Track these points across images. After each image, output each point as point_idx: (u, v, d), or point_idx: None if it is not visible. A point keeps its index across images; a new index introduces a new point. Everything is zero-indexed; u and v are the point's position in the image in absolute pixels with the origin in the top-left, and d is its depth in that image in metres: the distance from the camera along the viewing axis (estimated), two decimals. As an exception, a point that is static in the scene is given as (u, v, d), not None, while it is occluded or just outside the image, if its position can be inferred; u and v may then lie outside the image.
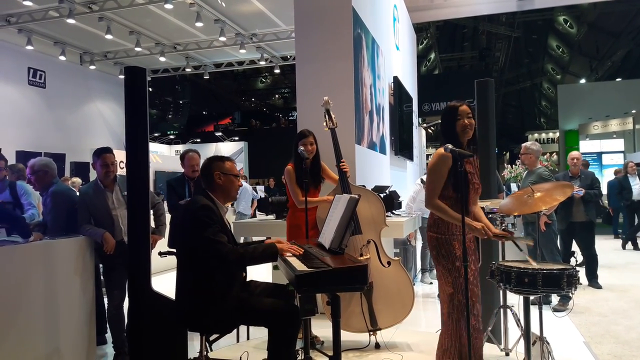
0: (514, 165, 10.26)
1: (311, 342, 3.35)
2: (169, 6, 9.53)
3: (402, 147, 7.82)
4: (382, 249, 3.82)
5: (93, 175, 6.31)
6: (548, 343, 3.02)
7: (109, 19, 10.53)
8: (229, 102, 29.05)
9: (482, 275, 3.20)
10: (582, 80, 23.02)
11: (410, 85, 9.92)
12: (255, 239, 4.05)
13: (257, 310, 2.66)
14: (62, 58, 12.10)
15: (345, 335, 3.55)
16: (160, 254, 3.94)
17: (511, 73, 25.69)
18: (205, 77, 15.43)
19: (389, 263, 3.81)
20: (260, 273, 6.39)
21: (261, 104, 30.41)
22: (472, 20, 18.78)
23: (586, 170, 6.22)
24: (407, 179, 8.86)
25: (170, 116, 27.01)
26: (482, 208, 3.43)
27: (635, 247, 9.51)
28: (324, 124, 4.02)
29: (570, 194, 3.12)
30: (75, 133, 13.01)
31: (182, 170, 4.66)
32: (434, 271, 6.81)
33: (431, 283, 6.36)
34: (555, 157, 12.76)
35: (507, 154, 27.97)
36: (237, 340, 3.95)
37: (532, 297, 2.94)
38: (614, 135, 18.13)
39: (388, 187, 5.34)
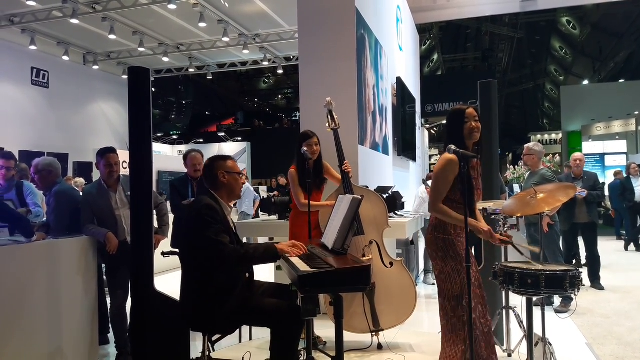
0: (516, 166, 10.24)
1: (314, 342, 3.35)
2: (172, 6, 9.55)
3: (405, 148, 7.82)
4: (384, 249, 3.82)
5: (96, 175, 6.34)
6: (550, 344, 3.02)
7: (112, 19, 10.56)
8: (232, 103, 29.10)
9: (485, 276, 3.21)
10: (585, 82, 22.98)
11: (413, 86, 9.92)
12: (260, 239, 4.08)
13: (260, 310, 2.66)
14: (66, 58, 12.13)
15: (348, 336, 3.55)
16: (163, 254, 3.95)
17: (514, 74, 25.65)
18: (208, 78, 15.45)
19: (391, 264, 3.81)
20: (263, 273, 6.40)
21: (264, 104, 30.45)
22: (475, 21, 18.76)
23: (589, 172, 6.21)
24: (410, 180, 8.85)
25: (173, 116, 27.06)
26: (485, 209, 3.44)
27: (638, 249, 9.49)
28: (327, 124, 4.03)
29: (572, 195, 3.12)
30: (78, 133, 13.05)
31: (185, 170, 4.67)
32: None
33: (433, 284, 6.35)
34: (557, 158, 12.73)
35: (510, 155, 27.91)
36: (240, 341, 3.96)
37: (534, 299, 2.94)
38: (617, 137, 18.08)
39: (391, 187, 5.34)
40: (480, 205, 3.20)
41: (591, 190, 5.74)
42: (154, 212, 3.76)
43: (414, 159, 8.98)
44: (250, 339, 4.00)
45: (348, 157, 4.03)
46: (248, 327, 3.97)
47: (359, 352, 3.71)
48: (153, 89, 4.33)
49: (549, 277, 2.68)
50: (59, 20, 10.42)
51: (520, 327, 3.40)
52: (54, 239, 3.47)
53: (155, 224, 4.02)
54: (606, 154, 16.63)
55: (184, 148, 17.00)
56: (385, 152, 6.76)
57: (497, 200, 3.74)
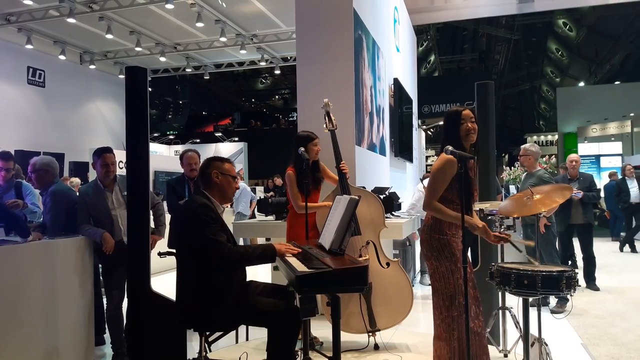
0: (512, 167, 10.27)
1: (310, 342, 3.36)
2: (169, 6, 9.53)
3: (402, 149, 7.82)
4: (381, 250, 3.83)
5: (92, 175, 6.32)
6: (546, 344, 3.03)
7: (109, 19, 10.53)
8: (229, 103, 29.07)
9: (482, 276, 3.22)
10: (581, 83, 23.07)
11: (410, 87, 9.93)
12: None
13: (257, 310, 2.66)
14: (62, 57, 12.09)
15: (345, 336, 3.56)
16: (160, 254, 3.94)
17: (510, 75, 25.72)
18: (205, 78, 15.43)
19: (388, 264, 3.82)
20: (260, 274, 6.39)
21: (261, 104, 30.42)
22: (472, 22, 18.78)
23: (584, 173, 6.24)
24: (407, 181, 8.86)
25: (170, 116, 27.01)
26: (482, 210, 3.45)
27: (633, 250, 9.53)
28: (324, 125, 4.03)
29: (569, 196, 3.13)
30: (74, 133, 13.00)
31: (182, 170, 4.66)
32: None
33: (430, 284, 6.36)
34: (553, 159, 12.78)
35: (506, 156, 27.99)
36: (237, 341, 3.96)
37: (530, 299, 2.95)
38: (612, 138, 18.15)
39: (388, 188, 5.35)
40: (476, 206, 3.22)
41: (587, 191, 5.76)
42: (151, 212, 3.75)
43: (410, 160, 8.99)
44: (247, 339, 4.00)
45: (345, 157, 4.03)
46: (245, 328, 3.97)
47: (356, 353, 3.72)
48: (150, 89, 4.33)
49: (545, 278, 2.70)
50: (56, 20, 10.39)
51: (517, 327, 3.41)
52: (50, 239, 3.46)
53: (152, 224, 4.02)
54: (602, 155, 16.71)
55: (180, 148, 16.96)
56: (382, 153, 6.77)
57: (494, 201, 3.76)
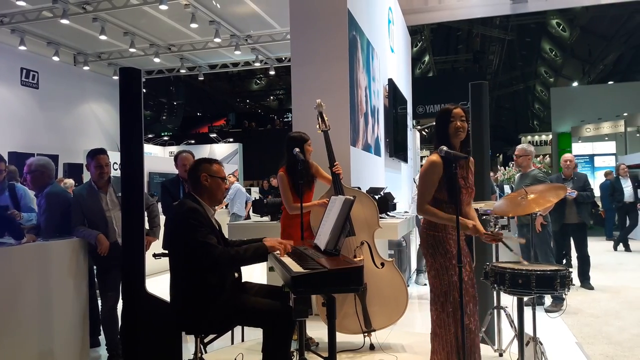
0: (507, 167, 10.31)
1: (306, 343, 3.36)
2: (163, 7, 9.51)
3: (397, 149, 7.84)
4: (375, 250, 3.83)
5: (86, 176, 6.29)
6: (541, 343, 3.04)
7: (103, 20, 10.50)
8: (224, 104, 29.01)
9: (476, 276, 3.22)
10: (575, 83, 23.17)
11: (405, 88, 9.95)
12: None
13: (252, 311, 2.66)
14: (56, 58, 12.04)
15: (340, 337, 3.55)
16: (155, 255, 3.93)
17: (505, 76, 25.82)
18: (199, 79, 15.41)
19: (382, 264, 3.82)
20: (255, 275, 6.38)
21: (256, 105, 30.39)
22: (466, 23, 18.84)
23: (579, 172, 6.27)
24: (402, 181, 8.87)
25: (164, 117, 26.91)
26: (476, 209, 3.46)
27: (627, 249, 9.59)
28: (317, 126, 4.03)
29: (563, 195, 3.15)
30: (68, 134, 12.95)
31: (176, 171, 4.65)
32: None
33: (425, 284, 6.37)
34: (547, 159, 12.83)
35: (500, 156, 28.09)
36: (232, 342, 3.95)
37: (525, 298, 2.96)
38: (606, 138, 18.24)
39: (383, 188, 5.36)
40: (472, 205, 3.22)
41: (581, 191, 5.79)
42: (145, 213, 3.74)
43: (405, 160, 9.00)
44: (243, 340, 3.99)
45: (340, 158, 4.03)
46: (240, 329, 3.96)
47: (351, 353, 3.72)
48: (144, 90, 4.32)
49: (540, 277, 2.71)
50: (49, 21, 10.34)
51: (511, 326, 3.42)
52: (44, 241, 3.45)
53: (147, 226, 4.00)
54: (595, 155, 16.79)
55: (175, 149, 16.92)
56: (377, 153, 6.78)
57: (488, 201, 3.77)
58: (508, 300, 3.28)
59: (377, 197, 4.74)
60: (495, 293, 3.61)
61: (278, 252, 2.78)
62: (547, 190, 3.13)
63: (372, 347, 3.78)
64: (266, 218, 5.40)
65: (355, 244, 3.77)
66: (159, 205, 4.84)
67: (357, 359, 3.63)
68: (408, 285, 4.30)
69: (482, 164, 3.86)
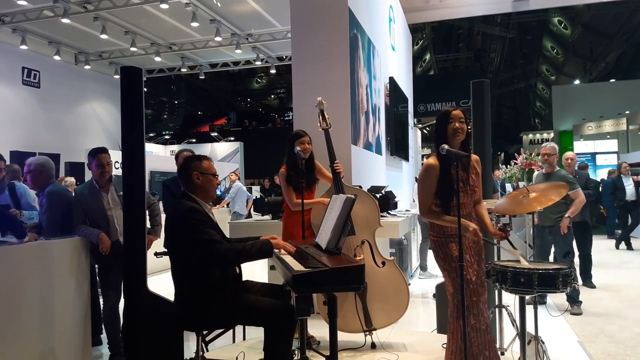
0: (508, 166, 10.29)
1: (307, 342, 3.36)
2: (164, 6, 9.50)
3: (398, 148, 7.83)
4: (376, 249, 3.82)
5: (88, 175, 6.29)
6: (543, 342, 3.04)
7: (104, 19, 10.49)
8: (225, 103, 29.01)
9: (478, 275, 3.22)
10: (576, 81, 23.14)
11: (406, 86, 9.94)
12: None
13: (253, 309, 2.66)
14: (57, 58, 12.04)
15: (341, 335, 3.55)
16: (156, 254, 3.93)
17: (506, 74, 25.78)
18: (200, 77, 15.39)
19: (383, 263, 3.82)
20: (256, 273, 6.39)
21: (257, 104, 30.38)
22: (467, 21, 18.83)
23: (581, 171, 6.25)
24: (403, 180, 8.87)
25: (165, 116, 26.91)
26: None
27: (629, 247, 9.57)
28: (318, 124, 4.02)
29: (565, 194, 3.14)
30: (70, 133, 12.95)
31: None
32: (427, 271, 6.87)
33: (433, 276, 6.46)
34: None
35: (502, 155, 28.06)
36: (233, 341, 3.95)
37: (527, 297, 2.96)
38: (608, 136, 18.24)
39: (384, 187, 5.36)
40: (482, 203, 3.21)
41: (583, 189, 5.77)
42: (147, 212, 3.74)
43: (406, 158, 8.99)
44: (244, 339, 3.99)
45: (341, 157, 4.03)
46: (242, 327, 3.96)
47: (352, 352, 3.71)
48: (145, 89, 4.32)
49: (542, 276, 2.70)
50: (50, 20, 10.33)
51: (513, 325, 3.42)
52: (46, 240, 3.45)
53: (148, 224, 4.00)
54: (597, 153, 16.78)
55: (176, 148, 16.93)
56: (378, 151, 6.77)
57: (490, 200, 3.76)
58: (509, 299, 3.28)
59: (378, 195, 4.74)
60: (497, 292, 3.61)
61: (279, 250, 2.79)
62: (548, 188, 3.13)
63: (373, 346, 3.78)
64: (267, 217, 5.40)
65: (355, 243, 3.77)
66: (160, 204, 4.84)
67: (358, 357, 3.63)
68: (409, 284, 4.30)
69: (484, 163, 3.84)
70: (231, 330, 3.70)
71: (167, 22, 10.97)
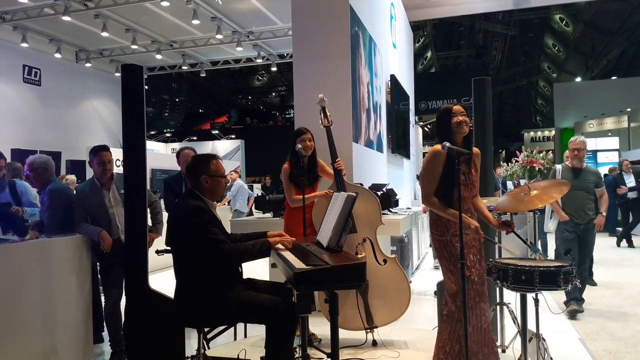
0: (509, 163, 10.28)
1: (309, 339, 3.36)
2: (165, 3, 9.50)
3: (399, 145, 7.83)
4: (377, 247, 3.82)
5: (89, 173, 6.30)
6: (544, 340, 3.04)
7: (104, 17, 10.48)
8: (226, 100, 28.99)
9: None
10: (578, 79, 23.10)
11: (407, 84, 9.93)
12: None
13: (255, 307, 2.67)
14: (58, 55, 12.04)
15: (343, 333, 3.56)
16: (158, 252, 3.94)
17: (507, 71, 25.74)
18: (201, 75, 15.39)
19: (384, 261, 3.82)
20: (258, 271, 6.39)
21: (258, 102, 30.35)
22: (469, 18, 18.80)
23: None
24: (404, 177, 8.87)
25: (166, 114, 26.90)
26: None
27: (630, 245, 9.56)
28: (320, 121, 4.02)
29: (566, 191, 3.13)
30: (71, 131, 12.95)
31: (179, 168, 4.66)
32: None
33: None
34: (551, 155, 12.83)
35: (503, 152, 28.04)
36: (235, 338, 3.96)
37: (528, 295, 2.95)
38: (609, 134, 18.20)
39: (385, 185, 5.35)
40: (479, 197, 3.21)
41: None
42: (148, 210, 3.74)
43: (407, 156, 8.99)
44: (246, 336, 4.00)
45: (342, 154, 4.02)
46: (243, 325, 3.97)
47: (354, 349, 3.72)
48: (146, 87, 4.32)
49: (543, 273, 2.70)
50: (51, 18, 10.33)
51: (514, 323, 3.42)
52: (47, 238, 3.45)
53: (149, 222, 4.01)
54: (598, 150, 16.75)
55: (177, 146, 16.95)
56: (380, 149, 6.77)
57: (491, 197, 3.76)
58: (511, 297, 3.28)
59: (379, 193, 4.74)
60: (498, 289, 3.61)
61: (281, 247, 2.80)
62: (550, 186, 3.12)
63: (374, 344, 3.79)
64: (268, 215, 5.40)
65: (357, 240, 3.77)
66: (162, 201, 4.85)
67: (359, 355, 3.63)
68: (410, 282, 4.29)
69: (486, 160, 3.85)
70: (233, 328, 3.71)
71: (168, 19, 10.96)
